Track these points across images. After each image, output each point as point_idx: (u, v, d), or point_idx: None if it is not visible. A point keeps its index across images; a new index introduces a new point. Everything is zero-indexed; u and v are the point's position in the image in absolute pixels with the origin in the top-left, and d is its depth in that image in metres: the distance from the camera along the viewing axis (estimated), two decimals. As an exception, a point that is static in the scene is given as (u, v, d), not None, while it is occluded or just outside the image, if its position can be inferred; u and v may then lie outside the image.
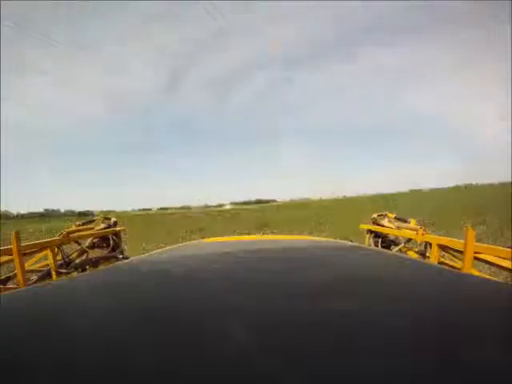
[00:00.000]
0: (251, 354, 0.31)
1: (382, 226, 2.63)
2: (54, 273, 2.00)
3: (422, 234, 1.96)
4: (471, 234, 1.39)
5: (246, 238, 1.92)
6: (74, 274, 2.21)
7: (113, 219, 2.84)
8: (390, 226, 2.57)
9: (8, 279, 1.89)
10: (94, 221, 2.82)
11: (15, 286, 1.79)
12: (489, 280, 0.73)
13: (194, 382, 0.27)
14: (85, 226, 2.67)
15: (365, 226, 2.91)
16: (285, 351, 0.32)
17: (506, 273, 1.45)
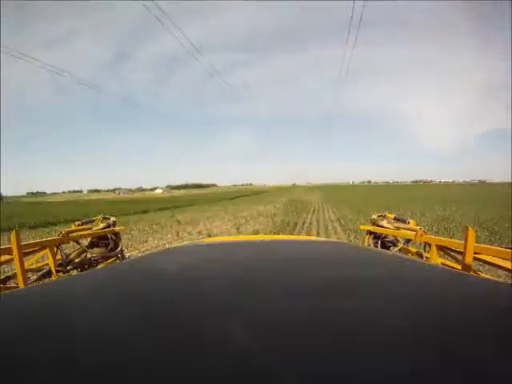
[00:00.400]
0: (251, 354, 0.31)
1: (382, 226, 2.62)
2: (53, 272, 2.00)
3: (421, 235, 1.95)
4: (471, 234, 1.38)
5: (246, 237, 1.91)
6: (74, 272, 2.22)
7: (112, 219, 2.86)
8: (389, 226, 2.57)
9: (8, 278, 1.88)
10: (93, 221, 2.83)
11: (15, 285, 1.79)
12: (489, 280, 0.73)
13: (194, 381, 0.27)
14: (84, 226, 2.68)
15: (364, 227, 2.90)
16: (284, 350, 0.32)
17: (506, 273, 1.43)
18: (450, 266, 1.68)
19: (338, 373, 0.28)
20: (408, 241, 2.36)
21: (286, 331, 0.38)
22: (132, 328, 0.39)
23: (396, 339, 0.35)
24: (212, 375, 0.28)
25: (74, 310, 0.47)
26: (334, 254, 1.07)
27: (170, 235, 9.08)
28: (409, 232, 2.17)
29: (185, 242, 1.50)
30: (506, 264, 1.32)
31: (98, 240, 2.75)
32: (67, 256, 2.36)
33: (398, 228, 2.46)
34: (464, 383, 0.27)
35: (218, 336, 0.36)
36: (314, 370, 0.29)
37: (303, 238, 1.81)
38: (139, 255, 1.08)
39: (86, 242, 2.61)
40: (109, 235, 2.74)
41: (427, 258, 1.90)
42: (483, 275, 1.46)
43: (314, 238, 1.73)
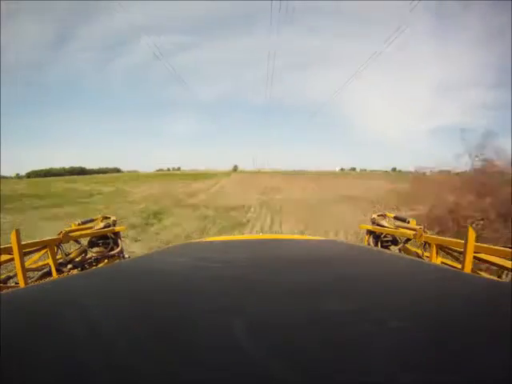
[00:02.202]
0: (251, 353, 0.31)
1: (382, 226, 2.61)
2: (54, 271, 2.00)
3: (421, 234, 1.94)
4: (472, 233, 1.38)
5: (246, 237, 1.93)
6: (75, 271, 2.22)
7: (112, 218, 2.85)
8: (389, 225, 2.56)
9: (8, 278, 1.88)
10: (93, 220, 2.83)
11: (15, 285, 1.79)
12: (489, 279, 0.72)
13: (195, 380, 0.27)
14: (84, 225, 2.68)
15: (364, 227, 2.90)
16: (285, 350, 0.33)
17: (506, 273, 1.46)
18: (450, 266, 1.68)
19: (338, 372, 0.28)
20: (408, 240, 2.35)
21: (285, 330, 0.38)
22: (132, 327, 0.39)
23: (396, 339, 0.35)
24: (213, 374, 0.28)
25: (75, 309, 0.47)
26: (335, 254, 1.06)
27: None
28: (409, 231, 2.16)
29: (185, 242, 1.49)
30: (507, 264, 1.32)
31: (98, 239, 2.75)
32: (67, 255, 2.36)
33: (397, 227, 2.45)
34: (464, 383, 0.27)
35: (218, 335, 0.36)
36: (314, 369, 0.29)
37: (303, 237, 1.82)
38: (140, 255, 1.10)
39: (86, 241, 2.61)
40: (109, 235, 2.74)
41: (427, 257, 1.89)
42: (483, 274, 1.46)
43: (313, 237, 1.73)
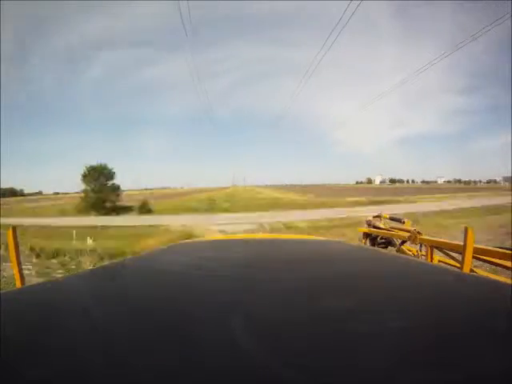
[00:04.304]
0: (251, 352, 0.31)
1: (378, 227, 2.64)
2: None
3: (416, 236, 1.95)
4: (471, 233, 1.39)
5: (246, 236, 1.93)
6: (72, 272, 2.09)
7: None
8: (385, 226, 2.60)
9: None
10: None
11: (11, 284, 1.67)
12: (488, 280, 0.74)
13: (195, 379, 0.27)
14: None
15: (361, 230, 2.92)
16: (284, 349, 0.33)
17: (506, 272, 1.46)
18: (448, 264, 1.72)
19: (338, 371, 0.28)
20: (403, 242, 2.36)
21: (285, 330, 0.38)
22: (132, 326, 0.40)
23: (396, 339, 0.35)
24: (213, 373, 0.28)
25: (74, 309, 0.47)
26: (334, 253, 1.07)
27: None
28: (403, 233, 2.19)
29: (186, 240, 1.49)
30: (506, 264, 1.34)
31: None
32: None
33: (393, 228, 2.48)
34: (464, 382, 0.27)
35: (218, 334, 0.36)
36: (313, 368, 0.28)
37: (303, 237, 1.89)
38: (139, 253, 1.08)
39: None
40: None
41: (424, 256, 1.90)
42: (482, 273, 1.51)
43: (313, 237, 1.81)
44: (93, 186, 26.76)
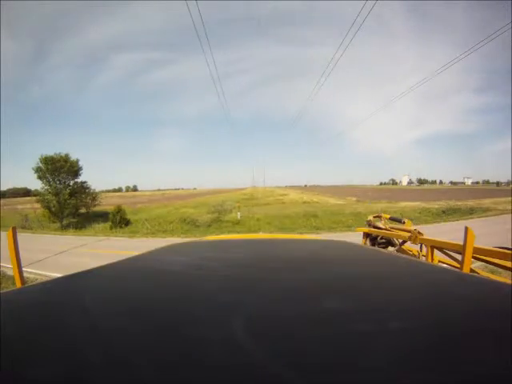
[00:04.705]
0: (251, 353, 0.31)
1: (377, 227, 2.65)
2: None
3: (416, 236, 1.95)
4: (471, 234, 1.38)
5: (247, 236, 1.90)
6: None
7: None
8: (385, 226, 2.60)
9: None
10: None
11: (12, 284, 1.78)
12: (488, 280, 0.71)
13: (195, 379, 0.27)
14: None
15: (360, 230, 2.92)
16: (284, 350, 0.33)
17: (506, 272, 1.45)
18: (448, 265, 1.69)
19: (338, 372, 0.28)
20: (404, 242, 2.35)
21: (286, 330, 0.38)
22: (132, 326, 0.40)
23: (396, 338, 0.35)
24: (213, 373, 0.28)
25: (74, 309, 0.46)
26: (334, 253, 1.06)
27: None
28: (404, 233, 2.18)
29: (186, 240, 1.38)
30: (506, 264, 1.34)
31: None
32: None
33: (393, 228, 2.49)
34: (463, 382, 0.27)
35: (217, 334, 0.36)
36: (313, 368, 0.29)
37: (303, 237, 1.77)
38: (140, 253, 1.07)
39: None
40: None
41: (424, 256, 1.89)
42: (482, 273, 1.49)
43: (313, 237, 1.58)
44: (48, 187, 19.12)
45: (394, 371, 0.28)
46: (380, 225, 2.66)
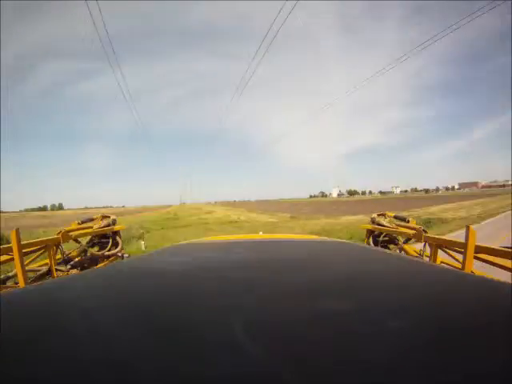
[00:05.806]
0: (251, 353, 0.31)
1: (382, 225, 2.62)
2: (53, 271, 2.00)
3: (421, 234, 1.93)
4: (472, 233, 1.36)
5: (247, 236, 1.90)
6: (74, 271, 2.20)
7: (112, 217, 2.82)
8: (390, 225, 2.57)
9: (8, 278, 1.87)
10: (93, 219, 2.80)
11: (15, 284, 1.78)
12: (489, 280, 0.72)
13: (194, 380, 0.27)
14: (84, 225, 2.65)
15: (364, 226, 2.89)
16: (284, 349, 0.33)
17: (506, 272, 1.42)
18: (450, 265, 1.68)
19: (338, 372, 0.28)
20: (408, 240, 2.35)
21: (285, 330, 0.38)
22: (132, 327, 0.39)
23: (396, 339, 0.35)
24: (212, 373, 0.28)
25: (74, 309, 0.47)
26: (335, 253, 1.06)
27: None
28: (408, 231, 2.16)
29: (185, 241, 1.50)
30: (507, 263, 1.32)
31: (99, 239, 2.72)
32: (67, 255, 2.35)
33: (398, 227, 2.45)
34: (464, 382, 0.27)
35: (217, 334, 0.36)
36: (313, 369, 0.29)
37: (303, 237, 1.81)
38: (140, 254, 1.09)
39: (85, 240, 2.58)
40: (109, 234, 2.71)
41: (427, 256, 1.89)
42: (483, 274, 1.44)
43: (313, 236, 1.73)
44: None
45: (395, 371, 0.28)
46: (383, 222, 2.63)
